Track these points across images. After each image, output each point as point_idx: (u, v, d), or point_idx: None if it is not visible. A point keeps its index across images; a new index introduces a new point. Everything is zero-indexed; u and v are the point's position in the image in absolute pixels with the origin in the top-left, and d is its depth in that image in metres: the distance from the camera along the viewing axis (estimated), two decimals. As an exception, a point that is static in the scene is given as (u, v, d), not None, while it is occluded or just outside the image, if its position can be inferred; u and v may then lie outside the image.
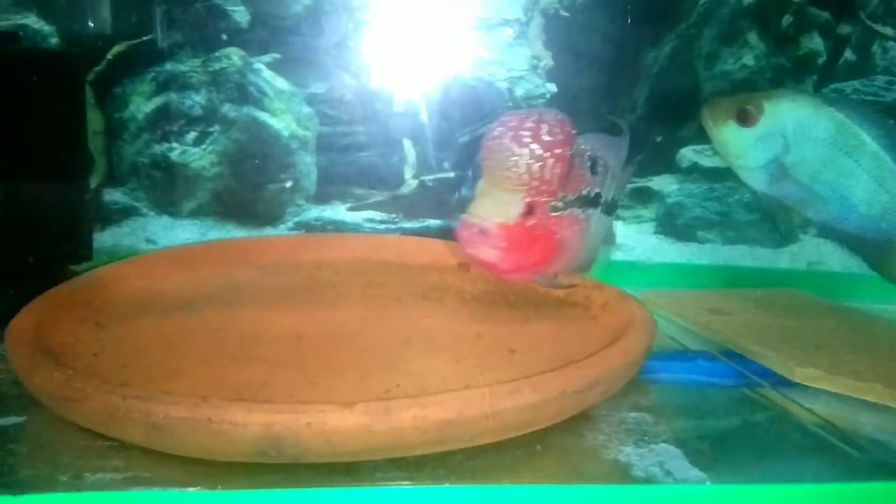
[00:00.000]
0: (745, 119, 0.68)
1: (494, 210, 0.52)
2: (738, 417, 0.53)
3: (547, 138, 0.52)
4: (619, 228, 0.94)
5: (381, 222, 0.93)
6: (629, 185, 0.94)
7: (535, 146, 0.52)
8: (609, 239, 0.67)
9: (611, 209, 0.62)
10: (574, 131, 0.55)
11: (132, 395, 0.39)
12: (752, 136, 0.68)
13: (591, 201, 0.58)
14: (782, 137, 0.68)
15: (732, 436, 0.50)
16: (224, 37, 0.89)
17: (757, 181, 0.71)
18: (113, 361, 0.49)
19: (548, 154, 0.52)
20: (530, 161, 0.52)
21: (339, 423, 0.38)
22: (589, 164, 0.57)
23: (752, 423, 0.52)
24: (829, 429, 0.52)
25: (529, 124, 0.52)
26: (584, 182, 0.56)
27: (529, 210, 0.53)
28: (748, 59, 0.94)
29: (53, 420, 0.43)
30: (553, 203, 0.54)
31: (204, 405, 0.38)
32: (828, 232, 0.76)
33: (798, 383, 0.59)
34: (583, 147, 0.57)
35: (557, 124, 0.53)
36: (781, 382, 0.59)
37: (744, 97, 0.70)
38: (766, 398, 0.57)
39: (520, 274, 0.57)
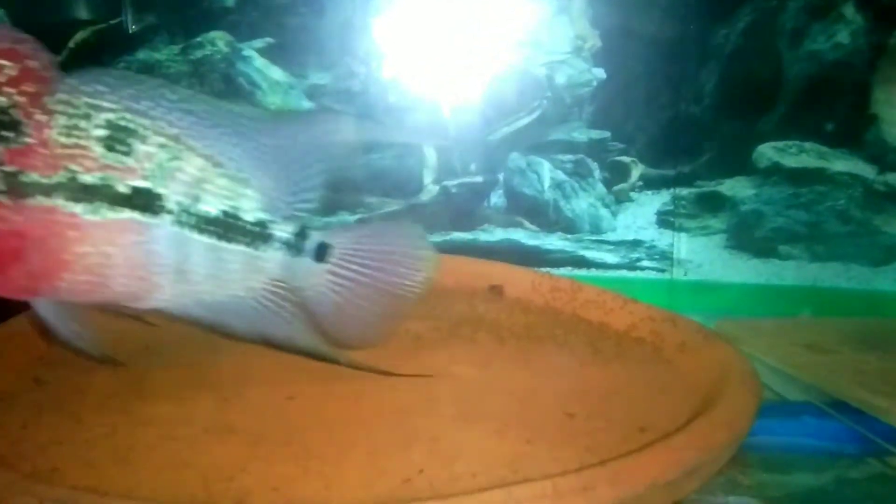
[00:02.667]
0: None
1: None
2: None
3: None
4: (683, 241, 0.90)
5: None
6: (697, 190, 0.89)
7: None
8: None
9: (221, 230, 0.45)
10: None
11: (52, 499, 0.34)
12: None
13: (114, 197, 0.43)
14: None
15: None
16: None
17: None
18: (45, 436, 0.43)
19: None
20: None
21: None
22: (98, 134, 0.43)
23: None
24: None
25: None
26: (66, 157, 0.42)
27: None
28: (843, 37, 0.89)
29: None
30: None
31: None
32: None
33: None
34: (82, 101, 0.43)
35: None
36: (918, 449, 0.53)
37: None
38: (900, 471, 0.51)
39: None
